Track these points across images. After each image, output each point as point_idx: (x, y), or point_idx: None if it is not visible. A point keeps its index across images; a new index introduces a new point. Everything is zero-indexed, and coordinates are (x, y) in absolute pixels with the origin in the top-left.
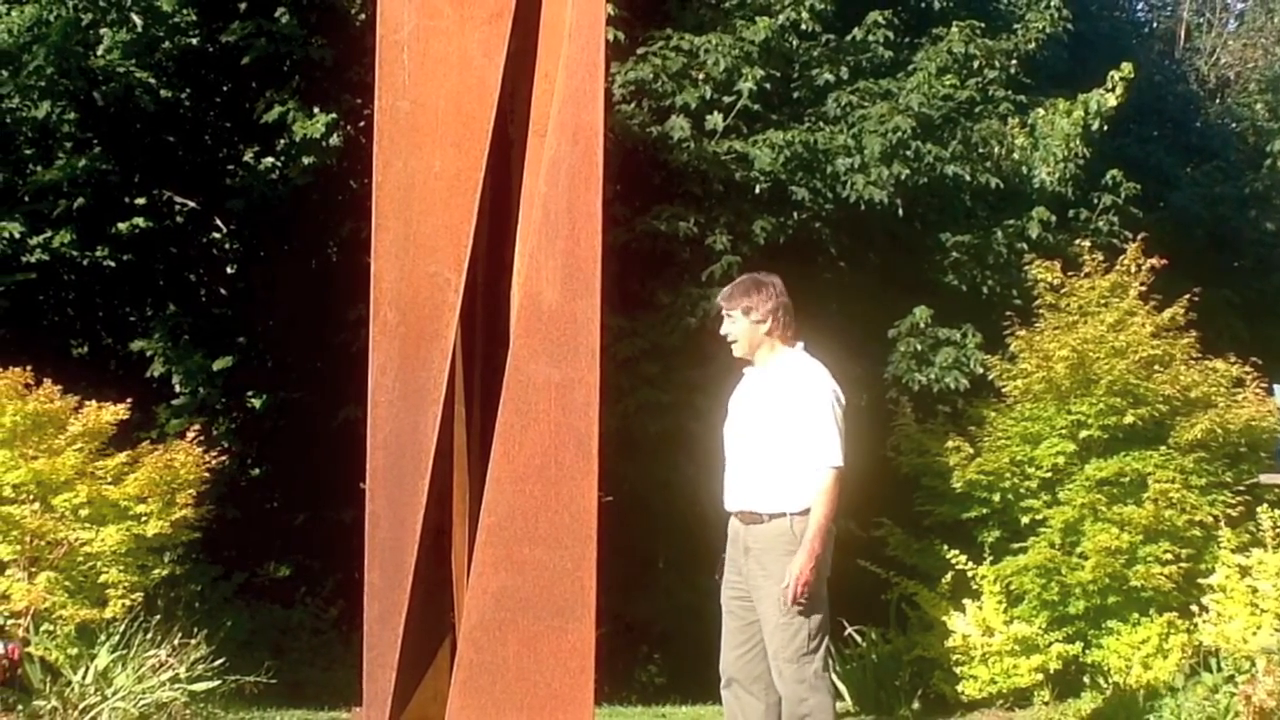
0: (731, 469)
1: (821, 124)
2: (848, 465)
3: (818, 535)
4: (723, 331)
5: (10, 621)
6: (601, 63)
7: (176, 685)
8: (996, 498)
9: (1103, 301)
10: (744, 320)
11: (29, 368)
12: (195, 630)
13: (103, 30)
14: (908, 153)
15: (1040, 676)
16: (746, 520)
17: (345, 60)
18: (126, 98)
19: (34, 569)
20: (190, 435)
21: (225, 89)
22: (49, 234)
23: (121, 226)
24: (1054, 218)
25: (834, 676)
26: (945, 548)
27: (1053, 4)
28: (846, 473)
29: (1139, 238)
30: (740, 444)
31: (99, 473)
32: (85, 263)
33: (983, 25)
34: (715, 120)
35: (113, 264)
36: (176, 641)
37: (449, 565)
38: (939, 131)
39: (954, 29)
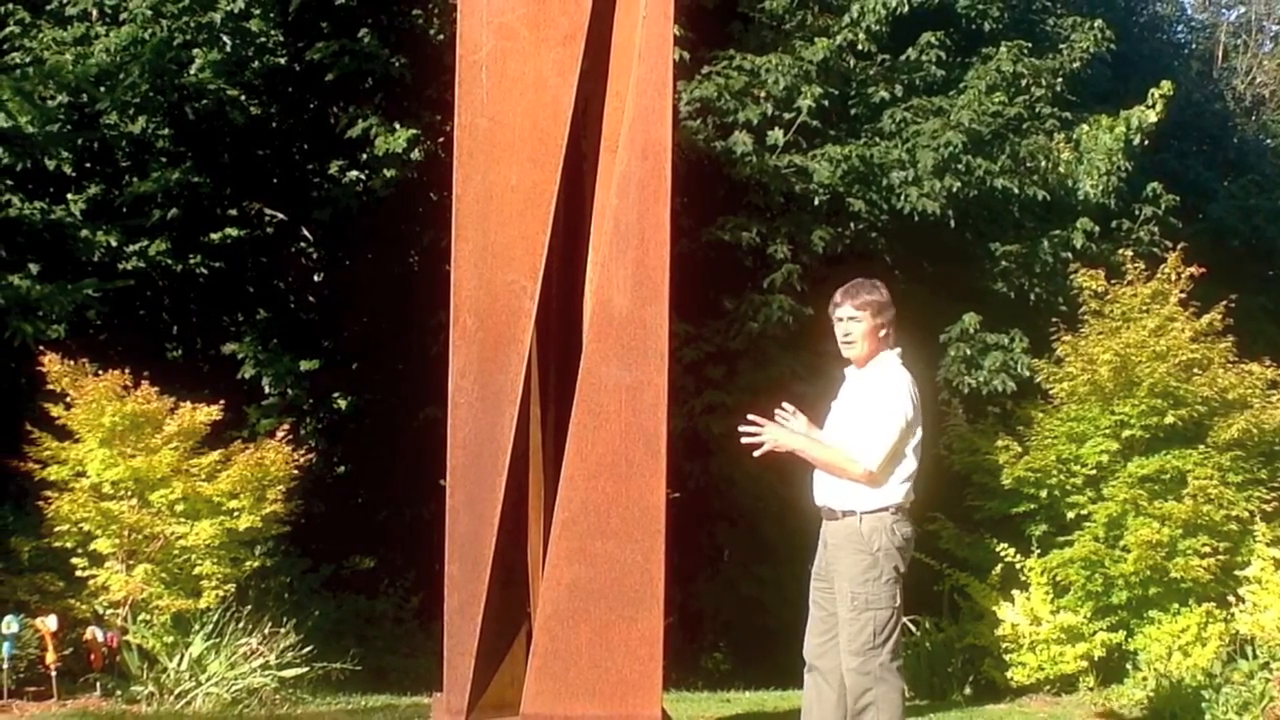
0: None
1: (877, 139)
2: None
3: (809, 446)
4: (843, 331)
5: (110, 611)
6: (670, 82)
7: (267, 672)
8: (1044, 494)
9: (1144, 308)
10: (869, 321)
11: (127, 370)
12: (284, 619)
13: (194, 51)
14: (959, 166)
15: (1085, 663)
16: (826, 516)
17: (424, 78)
18: (217, 114)
19: (132, 561)
20: (279, 434)
21: (311, 105)
22: (145, 243)
23: (214, 236)
24: (1097, 228)
25: None
26: (995, 541)
27: (1096, 25)
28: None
29: (1178, 247)
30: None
31: (193, 470)
32: (179, 270)
33: (1030, 45)
34: (776, 136)
35: (205, 272)
36: (267, 630)
37: (525, 558)
38: (988, 146)
39: (1003, 49)
